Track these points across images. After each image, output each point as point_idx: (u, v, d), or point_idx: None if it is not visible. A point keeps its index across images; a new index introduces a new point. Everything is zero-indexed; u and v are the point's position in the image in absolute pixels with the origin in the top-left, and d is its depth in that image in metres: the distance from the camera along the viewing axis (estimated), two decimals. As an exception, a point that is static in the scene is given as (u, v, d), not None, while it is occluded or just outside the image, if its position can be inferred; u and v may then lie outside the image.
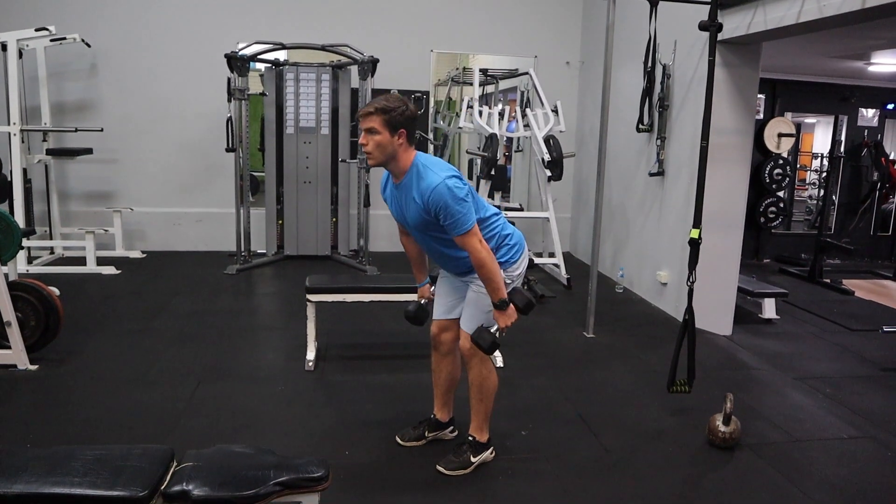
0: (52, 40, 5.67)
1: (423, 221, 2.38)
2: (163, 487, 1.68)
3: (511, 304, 2.41)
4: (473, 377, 2.59)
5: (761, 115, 7.06)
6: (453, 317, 2.67)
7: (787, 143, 7.06)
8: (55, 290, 3.88)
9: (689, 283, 3.18)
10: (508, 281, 2.48)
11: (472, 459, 2.62)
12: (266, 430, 2.93)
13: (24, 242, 4.91)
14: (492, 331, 2.41)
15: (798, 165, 8.08)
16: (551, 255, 6.04)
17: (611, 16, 4.15)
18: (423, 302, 2.81)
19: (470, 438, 2.66)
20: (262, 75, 6.24)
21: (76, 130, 5.86)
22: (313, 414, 3.11)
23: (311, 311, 3.63)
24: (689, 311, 3.16)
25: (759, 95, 6.67)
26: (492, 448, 2.70)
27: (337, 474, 2.01)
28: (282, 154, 6.29)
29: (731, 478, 2.69)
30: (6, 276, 3.51)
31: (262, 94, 6.18)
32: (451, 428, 2.90)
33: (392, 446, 2.81)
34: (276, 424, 3.00)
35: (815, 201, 8.60)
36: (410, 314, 2.79)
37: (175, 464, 1.78)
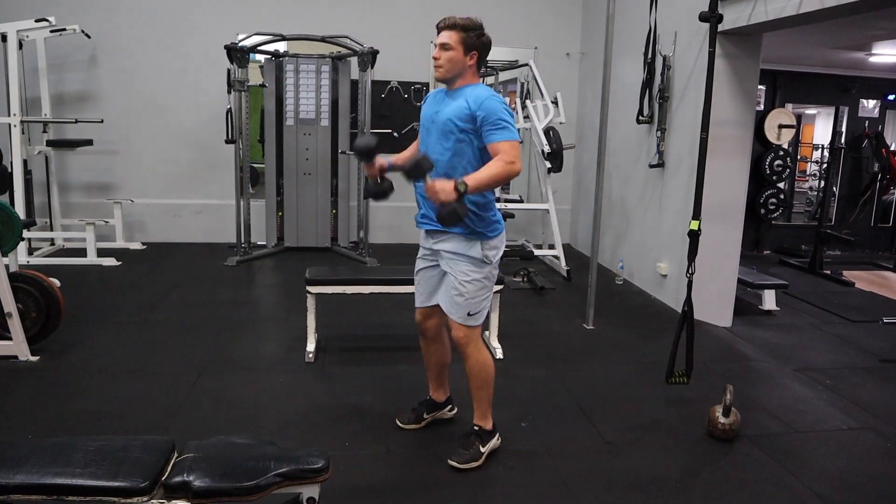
0: (52, 31, 5.66)
1: (454, 124, 2.34)
2: (164, 478, 1.69)
3: (457, 196, 2.20)
4: (471, 366, 2.58)
5: (762, 107, 7.04)
6: (432, 304, 2.66)
7: (787, 135, 7.05)
8: (56, 282, 3.89)
9: (688, 275, 3.18)
10: (491, 253, 2.46)
11: (482, 449, 2.61)
12: (266, 422, 2.94)
13: (25, 234, 4.91)
14: (429, 167, 2.24)
15: (799, 157, 8.06)
16: (551, 246, 6.05)
17: (611, 7, 4.13)
18: (374, 147, 2.49)
19: (476, 428, 2.65)
20: (261, 67, 6.23)
21: (76, 122, 5.85)
22: (314, 405, 3.12)
23: (311, 303, 3.63)
24: (688, 302, 3.16)
25: (760, 86, 6.66)
26: (498, 434, 2.70)
27: (337, 465, 2.02)
28: (282, 145, 6.28)
29: (731, 469, 2.70)
30: (7, 267, 3.52)
31: (262, 85, 6.17)
32: (450, 406, 2.92)
33: (392, 437, 2.82)
34: (277, 416, 3.01)
35: (815, 192, 8.59)
36: (360, 146, 2.56)
37: (176, 455, 1.79)
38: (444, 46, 2.37)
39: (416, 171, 2.27)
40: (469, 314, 2.49)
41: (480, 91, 2.38)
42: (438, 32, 2.41)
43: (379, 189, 2.53)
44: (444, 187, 2.21)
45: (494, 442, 2.67)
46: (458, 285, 2.47)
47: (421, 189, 2.38)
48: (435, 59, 2.40)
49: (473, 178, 2.26)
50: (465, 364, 2.60)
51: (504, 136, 2.31)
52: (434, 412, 2.89)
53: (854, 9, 3.29)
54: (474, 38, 2.38)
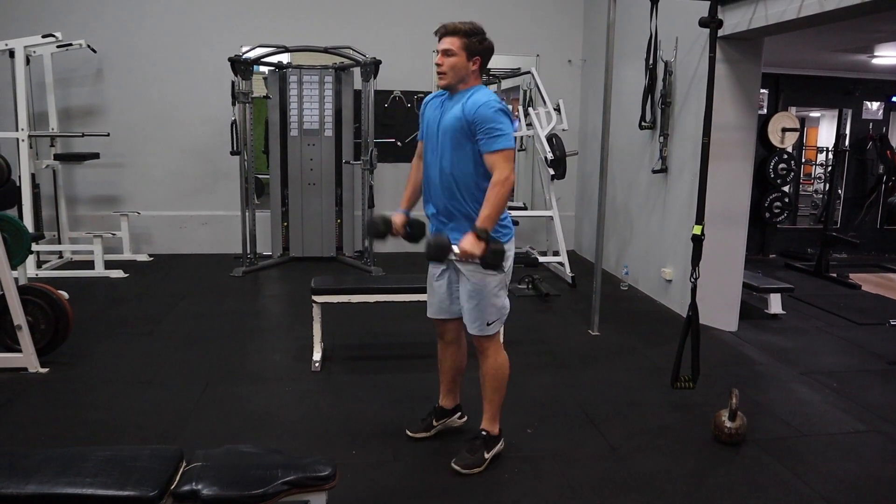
0: (58, 46, 5.73)
1: (455, 130, 2.36)
2: (173, 487, 1.71)
3: (486, 242, 2.29)
4: (488, 367, 2.57)
5: (765, 110, 7.04)
6: (442, 317, 2.69)
7: (790, 138, 7.05)
8: (64, 294, 3.92)
9: (692, 280, 3.18)
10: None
11: (486, 455, 2.62)
12: (273, 431, 2.95)
13: (34, 247, 4.95)
14: (450, 245, 2.31)
15: (803, 160, 8.05)
16: (555, 253, 6.05)
17: (612, 14, 4.15)
18: (390, 218, 2.61)
19: (483, 433, 2.65)
20: (265, 78, 6.27)
21: (83, 135, 5.90)
22: (320, 414, 3.13)
23: (316, 312, 3.65)
24: (693, 307, 3.17)
25: (763, 90, 6.68)
26: (502, 439, 2.70)
27: (344, 473, 2.03)
28: (286, 156, 6.32)
29: (738, 473, 2.69)
30: (16, 280, 3.55)
31: (266, 97, 6.21)
32: (459, 413, 2.92)
33: (399, 445, 2.82)
34: (284, 424, 3.02)
35: (820, 195, 8.57)
36: (372, 222, 2.64)
37: (184, 464, 1.81)
38: (446, 52, 2.35)
39: (440, 253, 2.32)
40: (488, 324, 2.51)
41: (478, 96, 2.35)
42: (439, 39, 2.39)
43: (413, 235, 2.61)
44: (472, 245, 2.26)
45: (499, 447, 2.67)
46: (471, 293, 2.48)
47: (438, 180, 2.44)
48: (438, 65, 2.37)
49: (485, 219, 2.31)
50: (482, 365, 2.59)
51: (496, 146, 2.30)
52: (443, 419, 2.89)
53: (854, 12, 3.30)
54: (476, 43, 2.37)
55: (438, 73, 2.40)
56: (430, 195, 2.54)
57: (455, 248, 2.30)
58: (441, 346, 2.79)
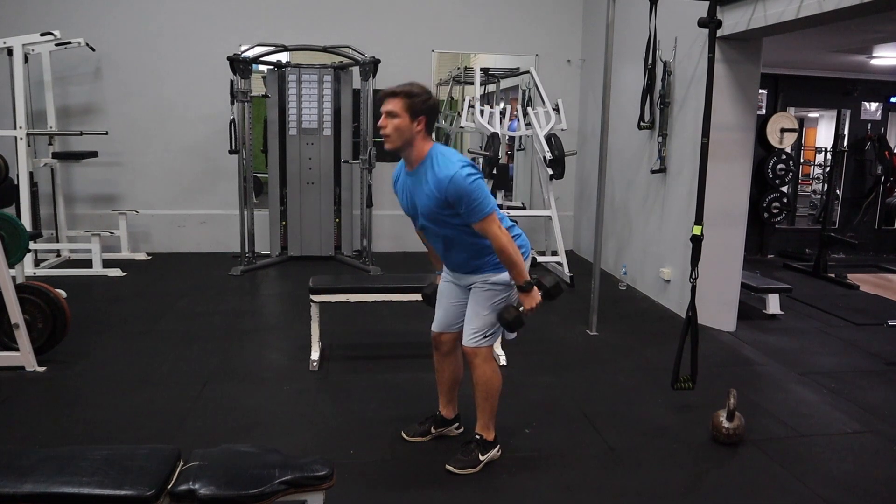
0: (57, 45, 5.72)
1: (436, 209, 2.36)
2: (170, 487, 1.70)
3: (535, 287, 2.42)
4: (478, 377, 2.60)
5: (763, 111, 7.04)
6: (450, 331, 2.71)
7: (789, 139, 7.05)
8: (62, 293, 3.92)
9: (691, 280, 3.18)
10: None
11: (481, 458, 2.63)
12: (271, 430, 2.95)
13: (31, 245, 4.94)
14: (519, 311, 2.43)
15: (801, 160, 8.05)
16: (554, 253, 6.05)
17: (611, 13, 4.15)
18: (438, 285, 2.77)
19: (477, 437, 2.66)
20: (264, 77, 6.27)
21: (81, 134, 5.90)
22: (318, 413, 3.13)
23: (314, 312, 3.65)
24: (692, 307, 3.16)
25: (762, 91, 6.67)
26: (498, 446, 2.71)
27: (341, 473, 2.03)
28: (285, 155, 6.31)
29: (736, 474, 2.69)
30: (14, 278, 3.54)
31: (265, 95, 6.21)
32: (457, 424, 2.92)
33: (397, 445, 2.82)
34: (281, 424, 3.02)
35: (818, 196, 8.58)
36: (426, 294, 2.83)
37: (181, 463, 1.80)
38: (389, 114, 2.33)
39: (517, 323, 2.46)
40: (485, 336, 2.55)
41: (442, 174, 2.29)
42: (383, 102, 2.37)
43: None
44: (530, 300, 2.42)
45: (494, 453, 2.68)
46: (478, 296, 2.53)
47: (444, 244, 2.51)
48: (382, 127, 2.35)
49: (517, 276, 2.40)
50: (472, 374, 2.62)
51: (480, 216, 2.31)
52: (441, 428, 2.89)
53: (853, 12, 3.30)
54: (420, 103, 2.32)
55: (383, 136, 2.38)
56: (444, 257, 2.62)
57: (520, 308, 2.44)
58: (438, 358, 2.80)
